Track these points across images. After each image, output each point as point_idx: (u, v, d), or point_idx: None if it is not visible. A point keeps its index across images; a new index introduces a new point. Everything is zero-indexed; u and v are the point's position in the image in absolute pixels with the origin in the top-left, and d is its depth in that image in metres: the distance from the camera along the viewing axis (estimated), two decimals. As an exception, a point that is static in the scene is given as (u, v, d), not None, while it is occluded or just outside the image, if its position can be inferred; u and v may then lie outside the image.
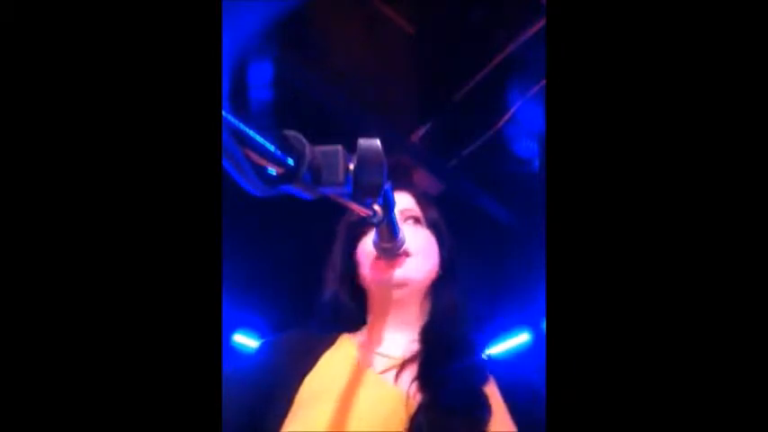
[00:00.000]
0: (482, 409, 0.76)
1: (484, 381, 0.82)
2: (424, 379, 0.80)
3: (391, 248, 0.83)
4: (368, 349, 0.88)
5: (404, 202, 0.96)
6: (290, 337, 0.93)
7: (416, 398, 0.77)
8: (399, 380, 0.80)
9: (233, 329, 3.19)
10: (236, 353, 3.09)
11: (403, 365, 0.82)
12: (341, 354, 0.87)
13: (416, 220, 0.94)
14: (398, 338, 0.89)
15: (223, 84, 0.46)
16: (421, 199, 0.99)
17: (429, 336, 0.87)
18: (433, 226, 0.95)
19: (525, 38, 2.12)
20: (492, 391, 0.81)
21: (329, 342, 0.89)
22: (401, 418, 0.75)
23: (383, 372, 0.83)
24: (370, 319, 0.93)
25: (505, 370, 0.88)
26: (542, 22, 2.04)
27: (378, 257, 0.86)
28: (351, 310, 0.94)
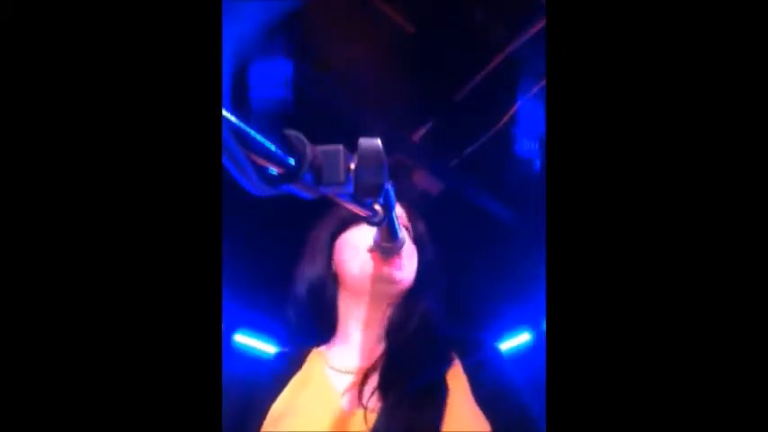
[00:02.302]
0: (437, 393, 0.78)
1: (444, 367, 0.84)
2: (383, 390, 0.81)
3: (392, 248, 0.83)
4: (335, 362, 0.89)
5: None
6: (284, 355, 0.95)
7: (376, 408, 0.78)
8: (362, 395, 0.81)
9: (234, 329, 3.20)
10: (237, 353, 3.10)
11: (364, 378, 0.84)
12: (307, 376, 0.88)
13: (405, 229, 0.95)
14: (365, 346, 0.90)
15: (224, 83, 0.46)
16: (411, 212, 1.01)
17: (392, 344, 0.89)
18: (417, 239, 0.97)
19: (525, 38, 2.12)
20: (455, 373, 0.83)
21: (300, 361, 0.91)
22: None
23: (347, 390, 0.84)
24: (341, 323, 0.94)
25: (498, 372, 0.89)
26: (542, 22, 2.04)
27: (374, 255, 0.87)
28: (327, 310, 0.94)
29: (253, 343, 3.24)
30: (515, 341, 3.23)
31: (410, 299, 0.92)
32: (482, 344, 0.92)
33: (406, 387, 0.79)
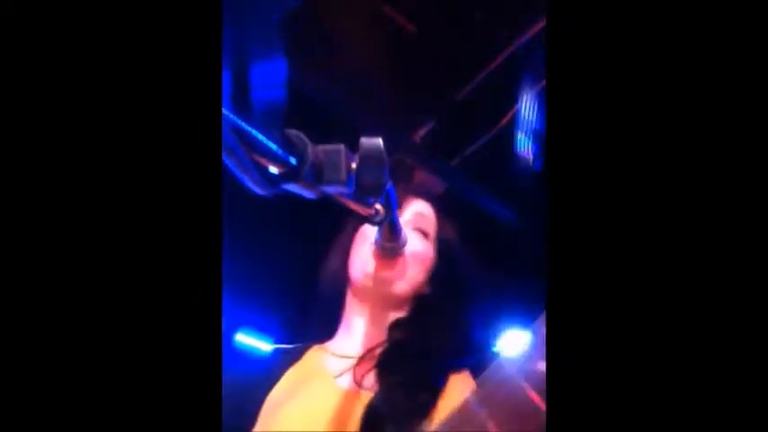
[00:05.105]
0: (437, 380, 0.77)
1: (453, 368, 0.83)
2: (379, 372, 0.80)
3: (393, 248, 0.83)
4: (333, 351, 0.89)
5: (420, 209, 0.96)
6: (280, 351, 0.95)
7: (372, 389, 0.78)
8: (357, 375, 0.81)
9: (234, 329, 3.19)
10: (238, 353, 3.09)
11: (361, 360, 0.83)
12: (304, 366, 0.88)
13: (424, 234, 0.94)
14: (368, 341, 0.89)
15: (224, 83, 0.46)
16: (441, 216, 0.98)
17: (394, 341, 0.88)
18: (440, 243, 0.95)
19: (525, 38, 2.11)
20: (462, 377, 0.82)
21: (297, 356, 0.91)
22: (357, 414, 0.76)
23: (343, 372, 0.83)
24: (347, 319, 0.94)
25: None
26: (542, 22, 2.04)
27: (375, 254, 0.87)
28: (333, 310, 0.94)
29: (253, 342, 3.23)
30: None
31: (421, 309, 0.91)
32: (483, 348, 0.91)
33: (403, 371, 0.79)
